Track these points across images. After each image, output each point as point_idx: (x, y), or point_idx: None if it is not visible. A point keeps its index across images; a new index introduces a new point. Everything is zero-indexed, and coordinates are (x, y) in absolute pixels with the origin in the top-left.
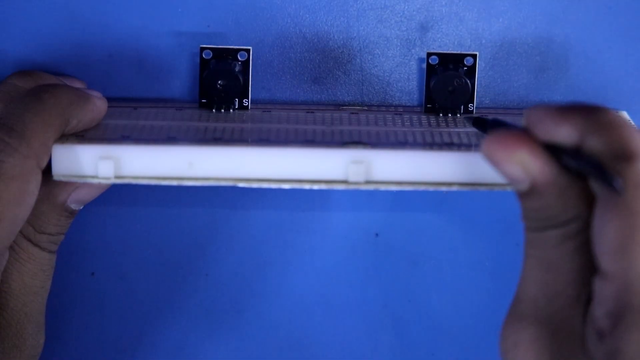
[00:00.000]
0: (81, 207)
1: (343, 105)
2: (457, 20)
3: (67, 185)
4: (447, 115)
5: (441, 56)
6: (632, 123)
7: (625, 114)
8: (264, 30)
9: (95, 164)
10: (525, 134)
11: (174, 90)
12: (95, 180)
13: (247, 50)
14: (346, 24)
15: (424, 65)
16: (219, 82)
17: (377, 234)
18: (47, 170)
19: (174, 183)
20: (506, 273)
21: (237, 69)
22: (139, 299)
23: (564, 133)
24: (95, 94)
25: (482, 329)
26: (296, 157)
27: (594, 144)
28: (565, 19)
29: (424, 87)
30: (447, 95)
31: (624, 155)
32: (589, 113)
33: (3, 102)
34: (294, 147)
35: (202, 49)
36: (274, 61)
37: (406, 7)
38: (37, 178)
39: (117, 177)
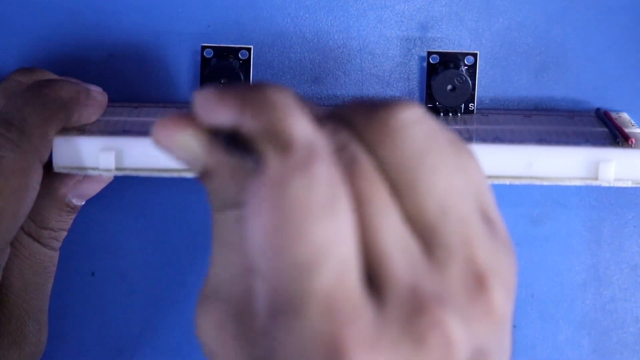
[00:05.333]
0: (83, 203)
1: None
2: (457, 20)
3: (67, 179)
4: (448, 114)
5: (442, 55)
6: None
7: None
8: (264, 30)
9: (96, 155)
10: (188, 117)
11: (174, 90)
12: (96, 172)
13: (249, 49)
14: (346, 24)
15: (425, 64)
16: (220, 80)
17: None
18: (48, 165)
19: (175, 175)
20: None
21: (238, 67)
22: (139, 299)
23: (221, 116)
24: (95, 88)
25: None
26: None
27: (248, 126)
28: (565, 19)
29: (424, 87)
30: (447, 94)
31: (276, 142)
32: (245, 93)
33: (5, 98)
34: None
35: (203, 47)
36: (274, 61)
37: (406, 7)
38: (38, 173)
39: (118, 168)
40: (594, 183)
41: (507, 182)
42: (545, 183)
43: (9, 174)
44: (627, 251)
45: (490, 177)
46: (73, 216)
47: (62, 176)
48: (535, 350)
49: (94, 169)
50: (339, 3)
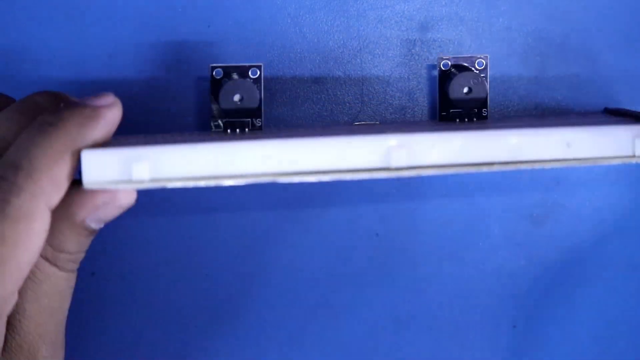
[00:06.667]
0: (102, 226)
1: (354, 123)
2: (457, 21)
3: (86, 203)
4: (464, 120)
5: (453, 60)
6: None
7: None
8: (264, 30)
9: (128, 167)
10: None
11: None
12: (129, 186)
13: (259, 67)
14: (346, 24)
15: (435, 72)
16: (236, 96)
17: (377, 234)
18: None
19: (212, 183)
20: (506, 273)
21: (251, 83)
22: (139, 299)
23: None
24: (106, 102)
25: (482, 329)
26: (337, 145)
27: None
28: (565, 18)
29: (437, 94)
30: (464, 96)
31: None
32: None
33: (19, 116)
34: (334, 136)
35: (213, 67)
36: (274, 61)
37: (406, 7)
38: (46, 218)
39: (152, 180)
40: (632, 161)
41: (547, 166)
42: (584, 164)
43: (15, 221)
44: (627, 251)
45: (530, 162)
46: (92, 238)
47: (81, 201)
48: (535, 350)
49: (126, 182)
50: (339, 3)
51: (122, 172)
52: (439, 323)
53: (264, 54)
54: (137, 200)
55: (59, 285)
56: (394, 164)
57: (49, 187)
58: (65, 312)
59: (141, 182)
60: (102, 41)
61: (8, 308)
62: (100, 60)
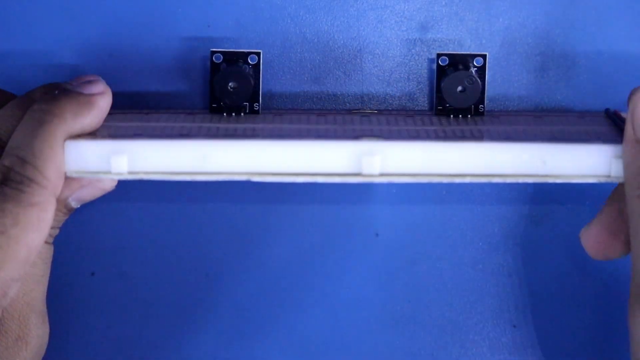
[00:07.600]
0: (79, 206)
1: (353, 110)
2: (457, 20)
3: (72, 183)
4: (458, 116)
5: (451, 56)
6: None
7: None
8: (264, 30)
9: (108, 159)
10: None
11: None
12: (108, 176)
13: (258, 54)
14: (346, 24)
15: (434, 66)
16: (230, 84)
17: (377, 234)
18: None
19: (187, 178)
20: (506, 273)
21: (247, 71)
22: (139, 299)
23: None
24: (98, 89)
25: (482, 329)
26: (310, 149)
27: None
28: (565, 18)
29: (433, 88)
30: (458, 95)
31: None
32: None
33: (21, 111)
34: (308, 140)
35: (213, 52)
36: (274, 61)
37: (406, 7)
38: (53, 206)
39: (130, 172)
40: (607, 180)
41: (521, 180)
42: (558, 181)
43: (28, 206)
44: None
45: (503, 175)
46: (68, 216)
47: (67, 180)
48: (535, 350)
49: (106, 173)
50: (339, 3)
51: (102, 164)
52: (439, 323)
53: (264, 54)
54: (137, 200)
55: (41, 254)
56: (366, 170)
57: (54, 176)
58: (47, 282)
59: (119, 174)
60: (104, 40)
61: (16, 287)
62: (101, 59)
